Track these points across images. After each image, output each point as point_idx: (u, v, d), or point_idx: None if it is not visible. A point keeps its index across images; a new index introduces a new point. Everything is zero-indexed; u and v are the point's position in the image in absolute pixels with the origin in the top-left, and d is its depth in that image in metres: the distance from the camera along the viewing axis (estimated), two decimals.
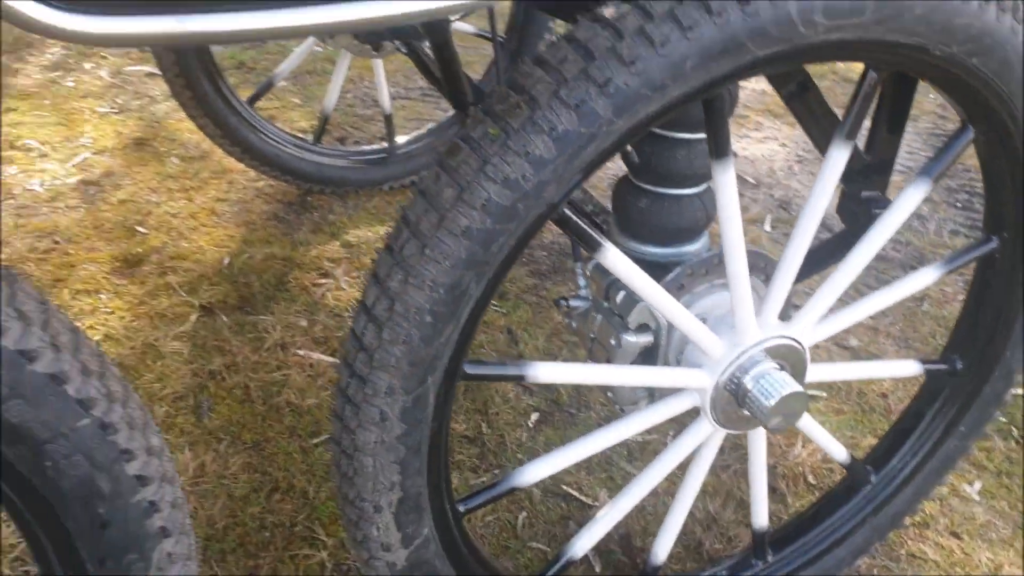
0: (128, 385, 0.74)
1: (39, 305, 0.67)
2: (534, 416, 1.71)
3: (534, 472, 1.07)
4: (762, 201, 2.49)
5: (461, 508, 1.05)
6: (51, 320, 0.67)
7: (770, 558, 1.34)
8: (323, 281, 1.99)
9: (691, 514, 1.53)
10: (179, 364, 1.73)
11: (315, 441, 1.60)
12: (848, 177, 1.26)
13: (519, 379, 0.99)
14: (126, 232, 2.07)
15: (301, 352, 1.78)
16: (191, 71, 2.03)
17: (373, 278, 0.88)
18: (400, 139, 2.33)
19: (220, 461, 1.54)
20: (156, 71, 2.76)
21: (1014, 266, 1.21)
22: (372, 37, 1.99)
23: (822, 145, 1.20)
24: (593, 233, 0.93)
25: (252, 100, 2.20)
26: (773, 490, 1.60)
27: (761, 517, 1.28)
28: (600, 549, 1.46)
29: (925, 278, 1.19)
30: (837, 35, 0.89)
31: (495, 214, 0.82)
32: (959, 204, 2.53)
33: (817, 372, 1.17)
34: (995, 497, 1.64)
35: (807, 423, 1.25)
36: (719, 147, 0.94)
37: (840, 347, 1.98)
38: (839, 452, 1.30)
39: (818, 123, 1.20)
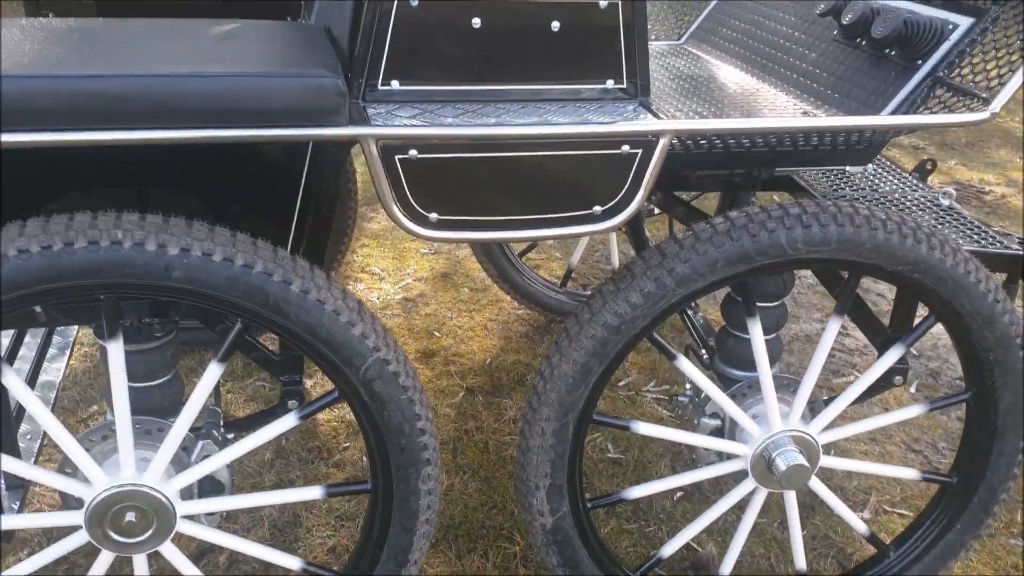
0: (422, 387, 1.58)
1: (395, 345, 1.53)
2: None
3: (636, 491, 1.80)
4: (915, 369, 3.02)
5: (589, 504, 1.79)
6: (399, 351, 1.53)
7: None
8: None
9: (770, 559, 2.14)
10: (447, 422, 2.60)
11: None
12: (875, 343, 1.90)
13: (625, 429, 1.74)
14: (427, 335, 3.02)
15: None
16: None
17: (546, 358, 1.68)
18: None
19: (462, 484, 2.37)
20: None
21: (984, 413, 1.79)
22: None
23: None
24: (670, 348, 1.68)
25: (522, 254, 3.12)
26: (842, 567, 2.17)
27: (799, 560, 1.90)
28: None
29: (912, 411, 1.81)
30: (815, 255, 1.59)
31: (609, 329, 1.60)
32: None
33: (830, 462, 1.81)
34: None
35: (837, 504, 1.87)
36: (749, 309, 1.67)
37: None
38: (860, 527, 1.90)
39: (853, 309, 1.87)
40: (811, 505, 2.37)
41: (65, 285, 1.30)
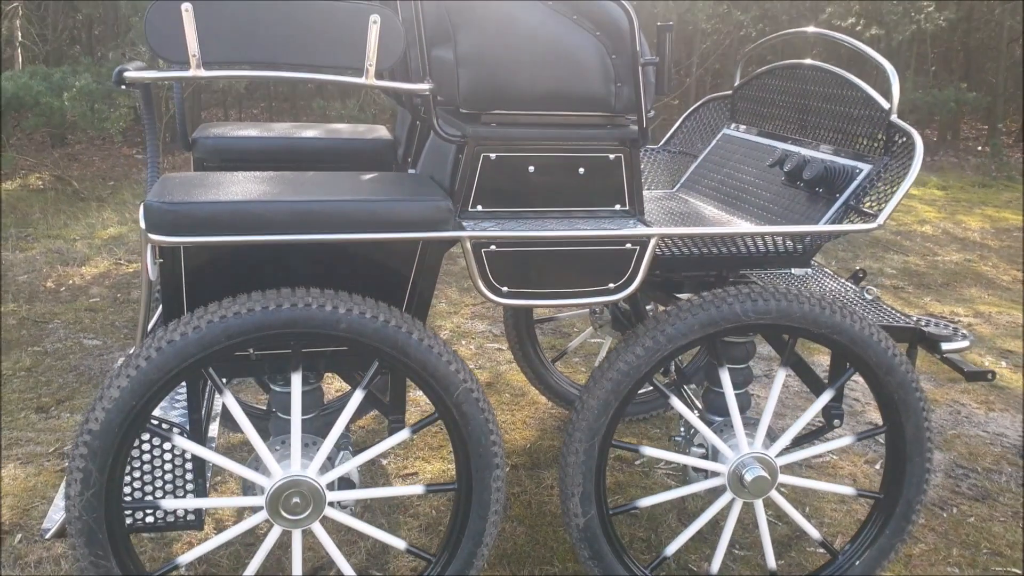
0: (493, 410, 2.28)
1: (476, 380, 2.24)
2: None
3: (646, 501, 2.47)
4: (880, 451, 3.67)
5: (610, 511, 2.45)
6: (478, 384, 2.24)
7: None
8: None
9: (756, 563, 2.75)
10: None
11: (559, 529, 3.02)
12: (813, 390, 2.60)
13: (635, 451, 2.43)
14: None
15: (555, 489, 3.25)
16: (524, 345, 3.74)
17: (578, 397, 2.38)
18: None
19: (512, 529, 3.01)
20: (502, 347, 4.57)
21: (896, 442, 2.46)
22: (621, 326, 3.57)
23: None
24: (665, 390, 2.39)
25: (554, 361, 3.86)
26: None
27: (770, 561, 2.53)
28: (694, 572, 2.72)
29: (844, 441, 2.49)
30: (761, 321, 2.32)
31: (622, 373, 2.31)
32: None
33: (785, 479, 2.47)
34: None
35: (796, 515, 2.52)
36: (719, 362, 2.39)
37: None
38: (814, 532, 2.53)
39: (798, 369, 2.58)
40: (788, 544, 2.99)
41: (271, 333, 2.05)
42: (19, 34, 8.94)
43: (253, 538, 2.88)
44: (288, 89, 10.99)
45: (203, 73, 1.92)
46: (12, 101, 6.38)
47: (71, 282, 5.56)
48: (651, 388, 3.73)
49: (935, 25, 10.62)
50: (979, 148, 12.49)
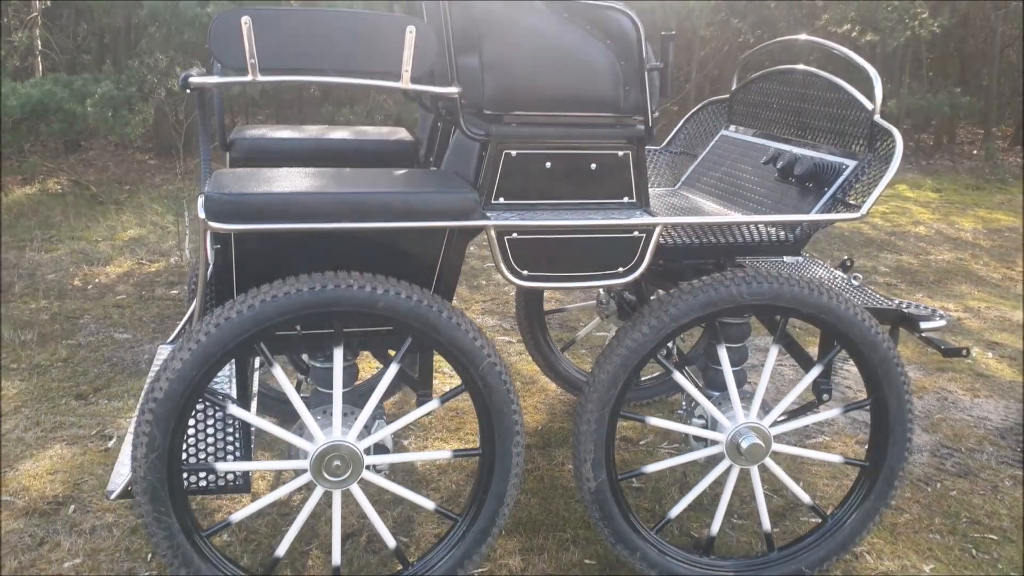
0: (513, 382, 2.52)
1: (499, 354, 2.48)
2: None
3: (651, 467, 2.70)
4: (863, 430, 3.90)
5: (619, 477, 2.68)
6: (501, 358, 2.48)
7: (775, 554, 2.78)
8: None
9: (751, 544, 2.98)
10: None
11: (571, 500, 3.26)
12: (803, 366, 2.83)
13: (642, 421, 2.67)
14: None
15: (568, 467, 3.49)
16: (535, 334, 3.98)
17: (590, 372, 2.62)
18: (644, 377, 4.08)
19: (527, 500, 3.25)
20: (512, 340, 4.81)
21: (880, 414, 2.70)
22: (626, 316, 3.82)
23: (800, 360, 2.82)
24: (669, 365, 2.63)
25: (563, 349, 4.10)
26: None
27: (765, 523, 2.76)
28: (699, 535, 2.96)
29: (832, 413, 2.73)
30: (756, 302, 2.56)
31: (630, 350, 2.55)
32: None
33: (778, 447, 2.71)
34: None
35: (788, 480, 2.76)
36: (717, 340, 2.63)
37: None
38: (805, 497, 2.77)
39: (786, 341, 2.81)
40: (782, 514, 3.23)
41: (316, 311, 2.29)
42: (39, 43, 9.19)
43: (288, 508, 3.12)
44: (294, 96, 11.26)
45: (260, 78, 2.16)
46: (37, 107, 6.63)
47: (97, 280, 5.80)
48: (654, 375, 4.00)
49: (929, 31, 10.88)
50: (974, 152, 12.74)
